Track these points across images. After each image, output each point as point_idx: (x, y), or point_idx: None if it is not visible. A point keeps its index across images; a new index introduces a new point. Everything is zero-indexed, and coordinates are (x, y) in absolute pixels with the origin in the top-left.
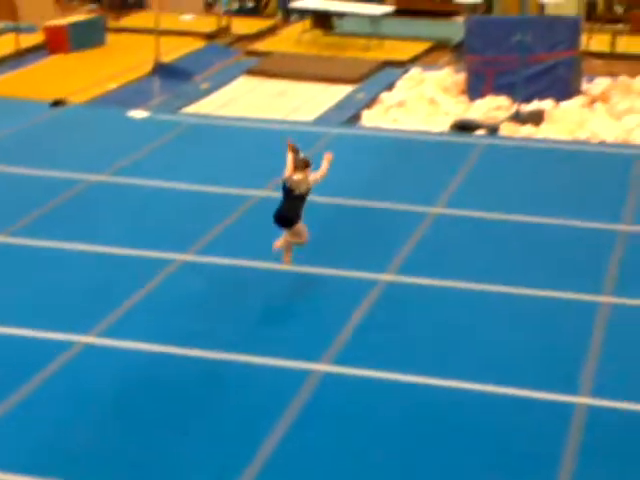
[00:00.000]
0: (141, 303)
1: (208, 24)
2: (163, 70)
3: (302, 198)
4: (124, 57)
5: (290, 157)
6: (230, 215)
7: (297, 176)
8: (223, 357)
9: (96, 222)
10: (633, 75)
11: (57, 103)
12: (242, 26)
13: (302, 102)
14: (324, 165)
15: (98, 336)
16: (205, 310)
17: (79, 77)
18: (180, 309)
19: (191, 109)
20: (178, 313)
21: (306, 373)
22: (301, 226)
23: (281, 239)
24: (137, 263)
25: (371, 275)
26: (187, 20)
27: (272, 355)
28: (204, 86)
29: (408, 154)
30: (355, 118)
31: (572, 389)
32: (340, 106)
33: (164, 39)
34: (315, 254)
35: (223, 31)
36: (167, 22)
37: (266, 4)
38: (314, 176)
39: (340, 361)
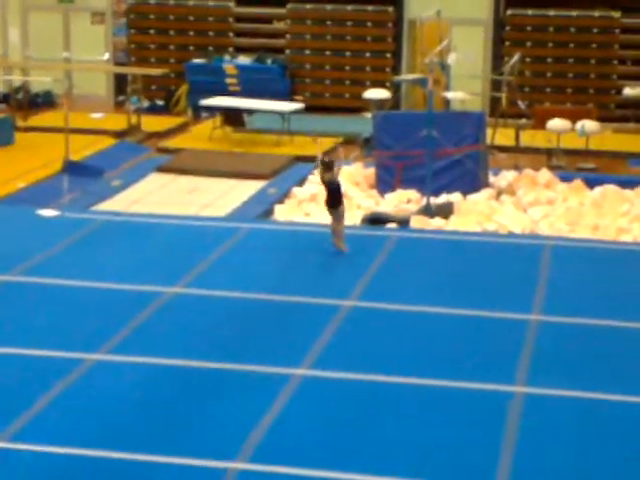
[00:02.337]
0: (53, 404)
1: (118, 122)
2: (73, 168)
3: (337, 188)
4: (33, 156)
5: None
6: (142, 313)
7: (327, 175)
8: (134, 458)
9: (5, 322)
10: (537, 168)
11: None
12: (153, 124)
13: (214, 198)
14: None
15: (8, 441)
16: (119, 412)
17: None
18: (93, 411)
19: (102, 207)
20: (91, 415)
21: (221, 471)
22: (344, 208)
23: (334, 237)
24: (48, 364)
25: (285, 370)
26: (97, 118)
27: (183, 455)
28: (115, 183)
29: (321, 247)
30: (268, 213)
31: None
32: (253, 201)
33: (74, 137)
34: (229, 350)
35: (134, 129)
36: (77, 120)
37: (176, 102)
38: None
39: (255, 459)
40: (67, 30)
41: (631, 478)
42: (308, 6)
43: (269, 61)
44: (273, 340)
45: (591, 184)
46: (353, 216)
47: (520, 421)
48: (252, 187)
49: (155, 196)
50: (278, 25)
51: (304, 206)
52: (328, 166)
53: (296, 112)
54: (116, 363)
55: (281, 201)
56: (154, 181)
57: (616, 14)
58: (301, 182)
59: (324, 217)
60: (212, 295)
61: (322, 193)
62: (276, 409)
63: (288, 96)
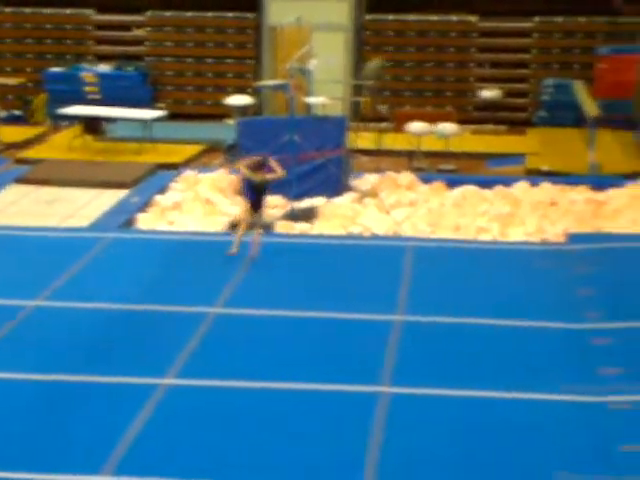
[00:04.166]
0: None
1: None
2: None
3: (263, 189)
4: None
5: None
6: (1, 328)
7: (258, 176)
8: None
9: None
10: (399, 170)
11: None
12: (10, 134)
13: (76, 208)
14: (277, 169)
15: None
16: None
17: None
18: None
19: None
20: None
21: None
22: (265, 209)
23: (236, 242)
24: None
25: (150, 380)
26: None
27: (47, 470)
28: None
29: (186, 255)
30: (131, 222)
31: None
32: (115, 211)
33: None
34: (93, 362)
35: None
36: None
37: (34, 111)
38: (272, 175)
39: (120, 472)
40: None
41: (495, 472)
42: (168, 13)
43: (130, 68)
44: (138, 350)
45: (451, 185)
46: (218, 222)
47: (386, 420)
48: (114, 196)
49: (15, 208)
50: (138, 32)
51: (167, 214)
52: (259, 166)
53: (158, 119)
54: None
55: (144, 210)
56: (13, 192)
57: (473, 18)
58: (164, 190)
59: (188, 225)
60: (75, 307)
61: (185, 201)
62: (141, 420)
63: (150, 103)
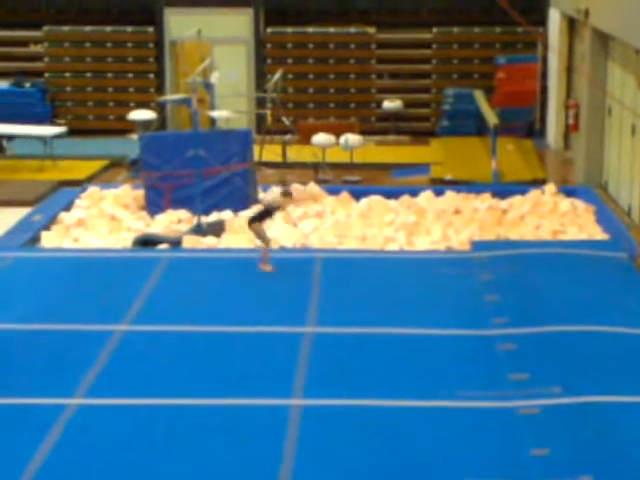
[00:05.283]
0: None
1: None
2: None
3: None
4: None
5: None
6: None
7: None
8: None
9: None
10: (305, 182)
11: None
12: None
13: None
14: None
15: None
16: None
17: None
18: None
19: None
20: None
21: None
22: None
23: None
24: None
25: (59, 400)
26: None
27: None
28: None
29: (92, 273)
30: (34, 240)
31: None
32: (17, 229)
33: None
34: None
35: None
36: None
37: None
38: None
39: None
40: None
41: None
42: (65, 28)
43: (28, 85)
44: (45, 370)
45: (357, 196)
46: (123, 239)
47: (299, 433)
48: (15, 215)
49: None
50: (35, 48)
51: (72, 232)
52: (286, 194)
53: (59, 136)
54: None
55: (48, 228)
56: None
57: (371, 30)
58: (68, 207)
59: (93, 242)
60: None
61: (90, 218)
62: (50, 442)
63: (49, 120)
